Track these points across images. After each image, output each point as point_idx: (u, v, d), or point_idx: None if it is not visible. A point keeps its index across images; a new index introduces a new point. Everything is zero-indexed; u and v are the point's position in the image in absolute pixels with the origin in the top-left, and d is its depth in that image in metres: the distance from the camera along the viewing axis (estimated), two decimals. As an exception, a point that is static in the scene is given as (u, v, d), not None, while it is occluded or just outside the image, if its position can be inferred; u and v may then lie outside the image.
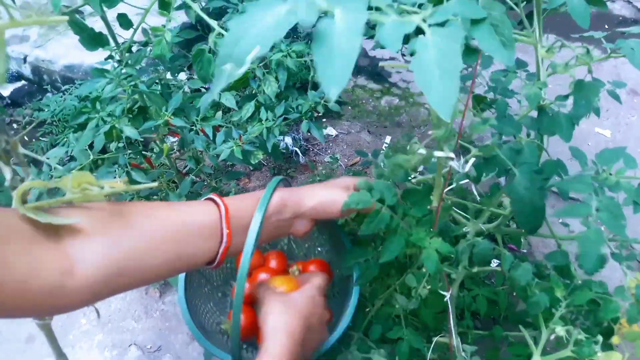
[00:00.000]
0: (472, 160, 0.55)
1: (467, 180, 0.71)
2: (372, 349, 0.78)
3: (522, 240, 1.34)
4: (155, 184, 0.44)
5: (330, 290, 0.91)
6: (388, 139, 1.66)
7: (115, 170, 0.77)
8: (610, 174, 0.54)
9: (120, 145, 0.82)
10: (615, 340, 0.62)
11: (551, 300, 0.61)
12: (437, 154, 0.53)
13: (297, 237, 0.71)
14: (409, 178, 0.74)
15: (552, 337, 0.59)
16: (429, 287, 0.67)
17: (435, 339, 0.71)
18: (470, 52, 0.50)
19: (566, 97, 0.64)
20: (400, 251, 0.62)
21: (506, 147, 0.58)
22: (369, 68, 1.94)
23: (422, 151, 0.53)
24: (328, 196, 0.68)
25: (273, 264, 0.93)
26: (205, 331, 0.77)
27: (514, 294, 1.04)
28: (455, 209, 0.74)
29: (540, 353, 0.59)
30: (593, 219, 0.49)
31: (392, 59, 2.05)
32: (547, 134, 0.64)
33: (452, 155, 0.53)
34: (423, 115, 1.79)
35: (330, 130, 1.65)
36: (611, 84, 0.68)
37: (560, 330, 0.56)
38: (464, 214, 0.74)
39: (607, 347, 0.61)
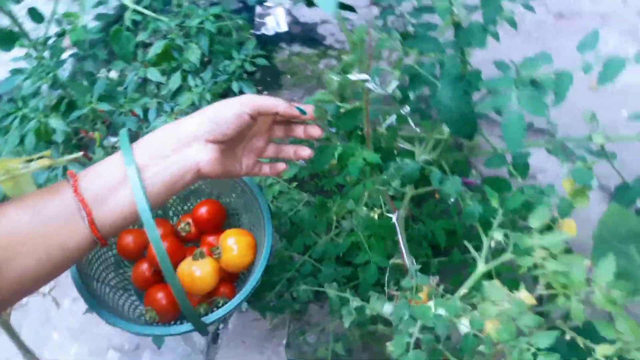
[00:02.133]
0: (395, 82, 0.58)
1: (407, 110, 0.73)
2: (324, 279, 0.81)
3: (472, 171, 1.39)
4: (80, 154, 0.44)
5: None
6: (331, 100, 1.68)
7: (53, 169, 0.77)
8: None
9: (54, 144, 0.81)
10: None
11: (488, 211, 0.65)
12: (351, 77, 0.55)
13: (208, 173, 0.56)
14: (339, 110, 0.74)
15: (493, 244, 0.63)
16: (379, 211, 0.70)
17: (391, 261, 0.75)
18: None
19: (476, 7, 0.66)
20: (329, 160, 0.63)
21: (427, 64, 0.61)
22: (301, 34, 1.94)
23: (336, 77, 0.55)
24: (217, 104, 0.56)
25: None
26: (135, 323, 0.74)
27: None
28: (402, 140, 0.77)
29: (485, 261, 0.64)
30: (514, 107, 0.54)
31: (324, 22, 2.06)
32: (464, 46, 0.66)
33: (366, 77, 0.56)
34: (362, 72, 1.81)
35: (274, 101, 1.66)
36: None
37: (498, 235, 0.61)
38: (410, 144, 0.77)
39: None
